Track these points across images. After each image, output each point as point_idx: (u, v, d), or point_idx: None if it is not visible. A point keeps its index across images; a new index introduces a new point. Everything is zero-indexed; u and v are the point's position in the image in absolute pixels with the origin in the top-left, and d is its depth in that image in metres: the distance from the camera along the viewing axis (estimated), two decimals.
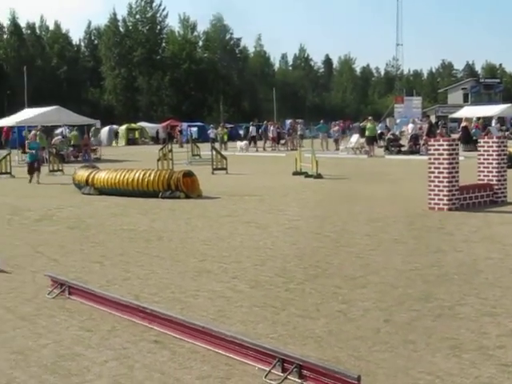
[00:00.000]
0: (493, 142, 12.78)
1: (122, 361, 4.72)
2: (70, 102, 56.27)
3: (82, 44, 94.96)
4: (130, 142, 57.55)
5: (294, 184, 17.78)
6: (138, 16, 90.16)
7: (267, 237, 9.63)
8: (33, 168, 20.72)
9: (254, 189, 16.70)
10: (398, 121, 56.74)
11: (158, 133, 60.79)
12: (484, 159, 12.86)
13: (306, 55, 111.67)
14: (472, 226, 10.20)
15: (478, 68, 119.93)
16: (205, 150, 30.48)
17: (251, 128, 44.76)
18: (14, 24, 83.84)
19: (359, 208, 12.47)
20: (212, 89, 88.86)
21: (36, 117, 33.32)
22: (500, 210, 11.91)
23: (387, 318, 5.56)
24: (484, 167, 12.84)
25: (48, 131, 34.74)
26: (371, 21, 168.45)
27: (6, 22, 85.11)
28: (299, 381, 4.18)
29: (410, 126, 33.15)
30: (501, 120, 44.06)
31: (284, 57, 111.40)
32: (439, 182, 11.81)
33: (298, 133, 40.32)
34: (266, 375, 4.29)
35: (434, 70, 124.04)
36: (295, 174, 20.39)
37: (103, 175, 16.25)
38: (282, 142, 41.36)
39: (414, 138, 30.85)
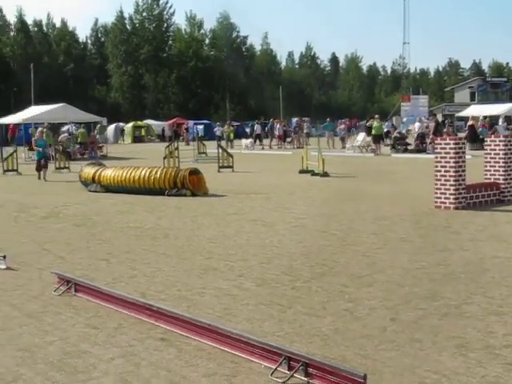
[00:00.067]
0: (500, 141, 12.73)
1: (129, 358, 4.73)
2: (76, 99, 56.44)
3: (89, 41, 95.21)
4: (137, 139, 57.66)
5: (301, 182, 17.76)
6: (144, 14, 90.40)
7: (273, 235, 9.62)
8: (40, 165, 20.83)
9: (260, 187, 16.69)
10: (404, 119, 56.76)
11: (164, 130, 60.91)
12: (491, 158, 12.82)
13: (312, 53, 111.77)
14: (478, 224, 10.17)
15: (485, 67, 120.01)
16: (211, 147, 30.41)
17: (256, 126, 44.71)
18: (21, 21, 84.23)
19: (365, 206, 12.45)
20: (218, 87, 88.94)
21: (42, 114, 33.36)
22: (507, 208, 11.87)
23: (393, 316, 5.56)
24: (491, 166, 12.80)
25: (54, 128, 34.86)
26: (378, 19, 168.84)
27: (12, 20, 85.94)
28: (305, 379, 4.17)
29: (417, 124, 33.06)
30: (508, 119, 43.83)
31: (290, 55, 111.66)
32: (446, 180, 11.79)
33: (305, 131, 40.34)
34: (272, 373, 4.28)
35: (440, 69, 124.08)
36: (301, 172, 20.36)
37: (109, 173, 16.27)
38: (289, 140, 41.33)
39: (421, 137, 30.79)
